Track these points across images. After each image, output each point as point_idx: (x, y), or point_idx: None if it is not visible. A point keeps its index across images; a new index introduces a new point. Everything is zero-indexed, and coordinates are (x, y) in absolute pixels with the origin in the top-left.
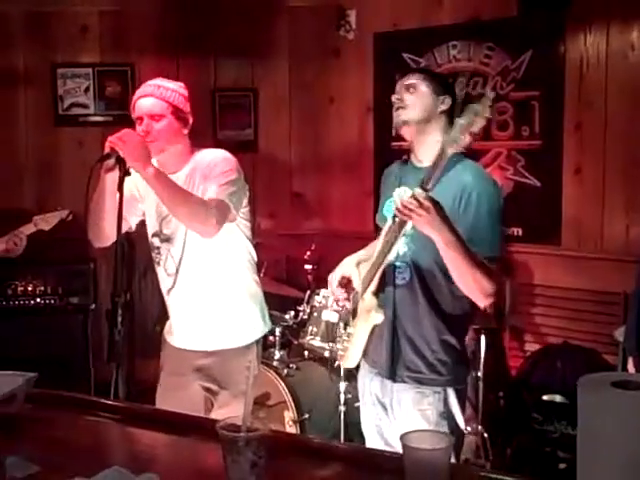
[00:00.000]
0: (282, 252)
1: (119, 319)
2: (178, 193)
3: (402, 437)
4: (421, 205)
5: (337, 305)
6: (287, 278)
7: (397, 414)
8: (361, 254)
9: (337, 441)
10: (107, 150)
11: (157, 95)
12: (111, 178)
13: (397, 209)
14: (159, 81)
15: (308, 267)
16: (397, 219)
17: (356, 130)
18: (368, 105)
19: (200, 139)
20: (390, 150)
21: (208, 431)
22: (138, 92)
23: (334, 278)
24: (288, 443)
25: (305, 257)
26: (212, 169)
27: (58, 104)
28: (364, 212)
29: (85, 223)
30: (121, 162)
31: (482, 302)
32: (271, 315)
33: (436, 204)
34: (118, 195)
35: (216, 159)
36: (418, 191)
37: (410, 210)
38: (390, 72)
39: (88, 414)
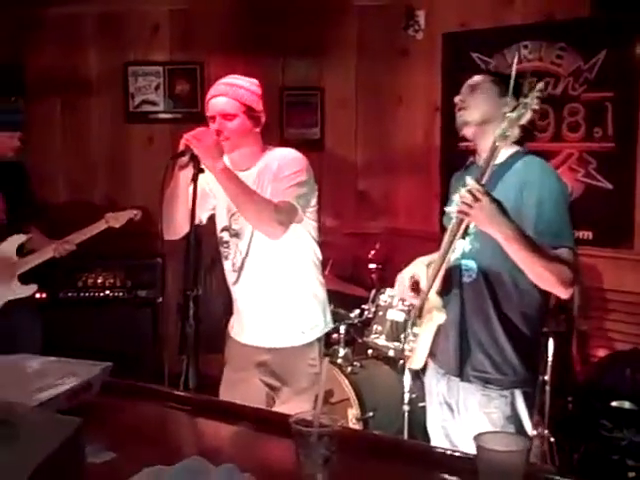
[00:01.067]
0: (347, 251)
1: (191, 312)
2: (246, 193)
3: (476, 438)
4: (475, 198)
5: (403, 305)
6: (351, 277)
7: (463, 416)
8: (431, 257)
9: (408, 439)
10: (182, 147)
11: (230, 95)
12: (184, 175)
13: (457, 207)
14: (233, 79)
15: (372, 266)
16: (457, 218)
17: (423, 130)
18: (435, 105)
19: (267, 137)
20: (457, 151)
21: (278, 425)
22: (212, 91)
23: (403, 278)
24: (359, 439)
25: (369, 256)
26: (282, 169)
27: (129, 101)
28: (430, 212)
29: (159, 216)
30: (195, 159)
31: (562, 293)
32: (336, 313)
33: (491, 198)
34: (192, 191)
35: (287, 159)
36: (472, 184)
37: (466, 205)
38: (458, 72)
39: (160, 404)
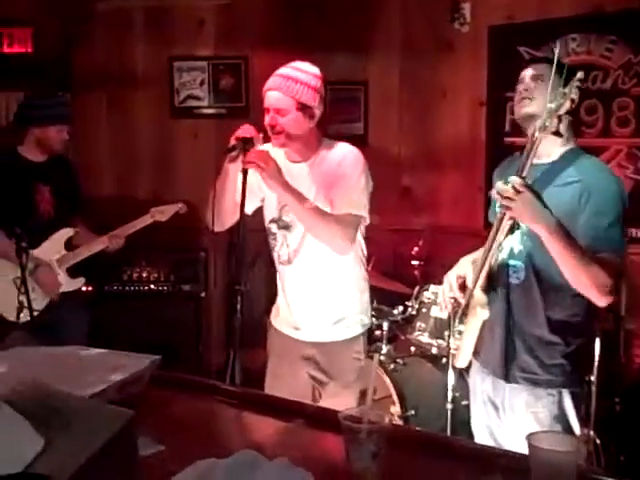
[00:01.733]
0: (390, 247)
1: (238, 306)
2: (315, 212)
3: (528, 437)
4: (516, 191)
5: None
6: (394, 273)
7: (509, 415)
8: (476, 254)
9: (457, 437)
10: (232, 142)
11: (284, 90)
12: (234, 168)
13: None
14: (291, 70)
15: (415, 263)
16: (500, 213)
17: (468, 125)
18: (481, 99)
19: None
20: (503, 145)
21: (325, 420)
22: (268, 83)
23: (451, 279)
24: (408, 436)
25: (412, 253)
26: (342, 172)
27: (174, 97)
28: (474, 208)
29: (204, 209)
30: (245, 153)
31: (599, 300)
32: (379, 310)
33: (532, 190)
34: (241, 183)
35: (346, 159)
36: (513, 178)
37: (507, 199)
38: (505, 66)
39: (208, 398)
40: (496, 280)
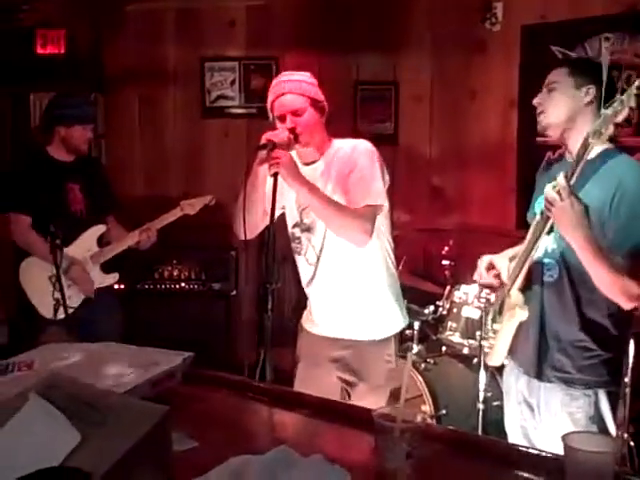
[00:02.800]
0: (419, 247)
1: (269, 305)
2: (332, 206)
3: (564, 438)
4: (560, 197)
5: (479, 301)
6: (424, 273)
7: (544, 415)
8: (513, 251)
9: (491, 437)
10: (263, 142)
11: (294, 91)
12: (263, 170)
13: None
14: (289, 76)
15: (445, 263)
16: (543, 215)
17: (499, 125)
18: (512, 99)
19: (340, 132)
20: (534, 145)
21: (356, 418)
22: (273, 91)
23: (485, 259)
24: (441, 435)
25: (443, 252)
26: (355, 164)
27: (205, 97)
28: (505, 209)
29: (236, 217)
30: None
31: (625, 304)
32: (409, 309)
33: (577, 200)
34: (272, 186)
35: (357, 151)
36: (561, 183)
37: (550, 204)
38: (537, 66)
39: (239, 395)
40: (531, 279)
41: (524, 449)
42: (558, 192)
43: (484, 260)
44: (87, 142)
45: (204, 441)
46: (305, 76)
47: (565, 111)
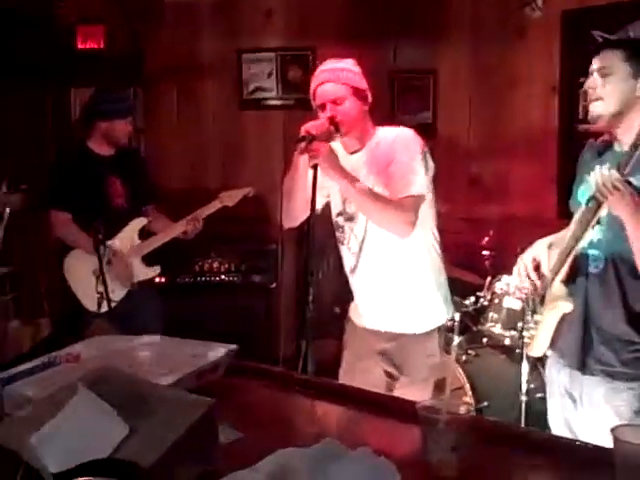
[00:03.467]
0: (459, 237)
1: (310, 297)
2: (373, 198)
3: (614, 430)
4: (615, 188)
5: (520, 292)
6: (463, 263)
7: (587, 408)
8: (551, 239)
9: (538, 430)
10: (302, 133)
11: (335, 80)
12: (304, 160)
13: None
14: (331, 64)
15: (485, 253)
16: (591, 204)
17: (539, 112)
18: (553, 86)
19: (377, 122)
20: (576, 133)
21: (400, 410)
22: (315, 80)
23: (526, 261)
24: (488, 428)
25: (483, 243)
26: (397, 153)
27: (243, 88)
28: (546, 198)
29: (275, 203)
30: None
31: None
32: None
33: (632, 187)
34: (312, 178)
35: (400, 140)
36: (615, 175)
37: (606, 193)
38: (578, 51)
39: (282, 387)
40: (575, 270)
41: (570, 441)
42: (611, 183)
43: (528, 261)
44: (127, 135)
45: (248, 433)
46: (348, 64)
47: (621, 100)
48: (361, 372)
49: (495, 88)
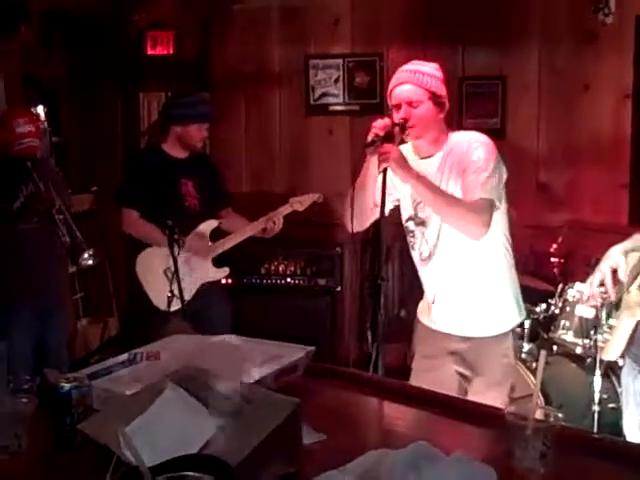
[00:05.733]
0: (527, 243)
1: (381, 301)
2: (446, 198)
3: None
4: None
5: (594, 300)
6: (532, 270)
7: None
8: (627, 244)
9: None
10: (370, 137)
11: (414, 82)
12: (374, 164)
13: None
14: (415, 66)
15: (554, 260)
16: None
17: (611, 118)
18: (626, 92)
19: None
20: None
21: (480, 415)
22: (394, 80)
23: (605, 271)
24: (576, 436)
25: (551, 250)
26: (471, 158)
27: (309, 94)
28: (618, 205)
29: (340, 207)
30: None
31: None
32: None
33: None
34: (381, 182)
35: (473, 145)
36: None
37: None
38: None
39: (357, 388)
40: None
41: None
42: None
43: (607, 272)
44: (202, 140)
45: (328, 434)
46: (431, 68)
47: None
48: (433, 372)
49: (565, 94)
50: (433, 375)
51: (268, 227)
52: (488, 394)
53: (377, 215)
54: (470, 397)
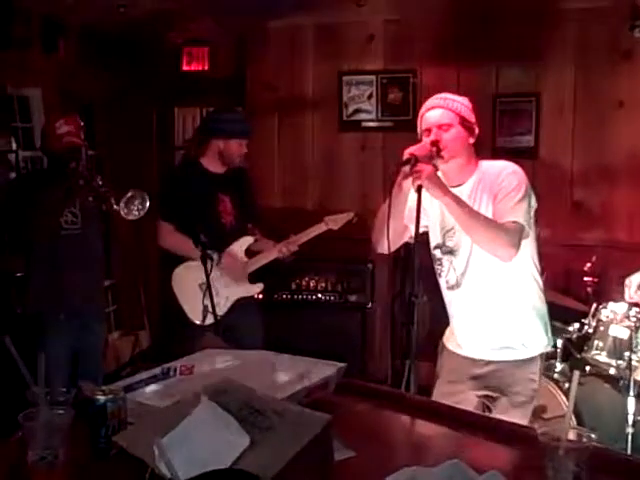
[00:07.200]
0: (561, 262)
1: (415, 318)
2: (477, 218)
3: None
4: None
5: (628, 320)
6: (565, 289)
7: None
8: None
9: None
10: (406, 156)
11: (445, 106)
12: (406, 186)
13: None
14: (444, 94)
15: (588, 279)
16: None
17: None
18: None
19: (478, 146)
20: None
21: (509, 435)
22: (425, 105)
23: (631, 281)
24: (611, 459)
25: (585, 269)
26: (501, 185)
27: (343, 110)
28: None
29: (371, 225)
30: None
31: None
32: (553, 326)
33: None
34: (416, 200)
35: (504, 173)
36: None
37: None
38: None
39: (389, 406)
40: None
41: None
42: None
43: (634, 282)
44: (241, 156)
45: (358, 451)
46: (461, 98)
47: None
48: (453, 397)
49: (600, 111)
50: (454, 399)
51: (282, 253)
52: (512, 414)
53: (405, 239)
54: (495, 416)
